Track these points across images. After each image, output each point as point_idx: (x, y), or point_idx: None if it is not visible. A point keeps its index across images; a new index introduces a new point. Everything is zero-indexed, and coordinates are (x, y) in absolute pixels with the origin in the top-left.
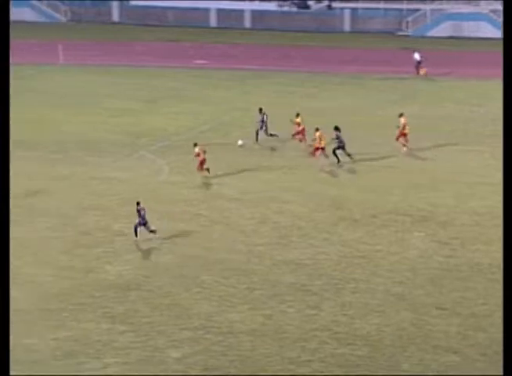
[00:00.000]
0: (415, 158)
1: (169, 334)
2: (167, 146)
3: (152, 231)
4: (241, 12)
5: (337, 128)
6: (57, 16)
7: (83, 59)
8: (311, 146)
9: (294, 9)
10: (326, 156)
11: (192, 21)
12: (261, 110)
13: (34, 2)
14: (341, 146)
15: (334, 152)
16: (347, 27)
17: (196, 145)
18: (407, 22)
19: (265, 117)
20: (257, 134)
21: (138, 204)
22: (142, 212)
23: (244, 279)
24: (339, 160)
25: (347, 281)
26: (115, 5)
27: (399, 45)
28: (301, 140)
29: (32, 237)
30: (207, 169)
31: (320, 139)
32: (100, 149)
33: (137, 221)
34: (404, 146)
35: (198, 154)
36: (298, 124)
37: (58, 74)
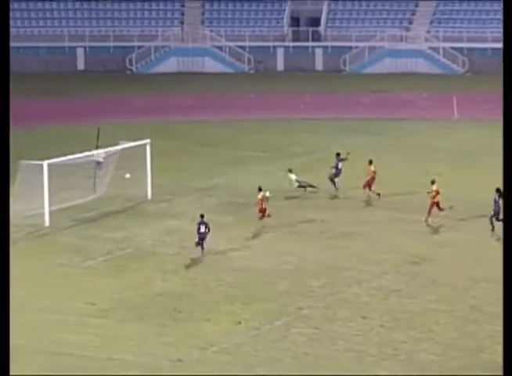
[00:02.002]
0: None
1: None
2: None
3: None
4: None
5: (498, 190)
6: (454, 66)
7: (479, 113)
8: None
9: None
10: (441, 209)
11: None
12: (338, 154)
13: (430, 52)
14: (496, 212)
15: (491, 219)
16: None
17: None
18: None
19: (340, 163)
20: (332, 181)
21: (201, 216)
22: (201, 227)
23: None
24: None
25: None
26: None
27: None
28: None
29: (418, 310)
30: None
31: (437, 193)
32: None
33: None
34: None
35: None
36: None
37: (449, 130)
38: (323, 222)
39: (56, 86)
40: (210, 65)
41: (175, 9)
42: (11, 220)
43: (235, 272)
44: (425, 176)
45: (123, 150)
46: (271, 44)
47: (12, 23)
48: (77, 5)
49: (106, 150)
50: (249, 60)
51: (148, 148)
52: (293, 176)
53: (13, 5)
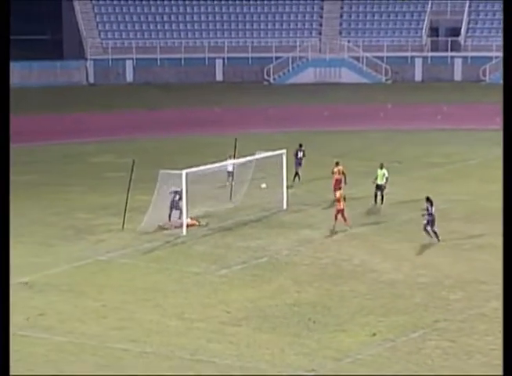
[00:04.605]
0: None
1: None
2: None
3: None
4: None
5: (428, 199)
6: None
7: None
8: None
9: None
10: (345, 219)
11: None
12: (300, 145)
13: None
14: (430, 221)
15: (425, 229)
16: None
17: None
18: None
19: (300, 153)
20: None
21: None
22: (176, 197)
23: None
24: (437, 238)
25: None
26: None
27: None
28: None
29: None
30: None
31: (340, 201)
32: None
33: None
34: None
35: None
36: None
37: None
38: (461, 234)
39: (194, 96)
40: (347, 76)
41: (313, 20)
42: (149, 229)
43: (370, 284)
44: None
45: (259, 159)
46: (409, 54)
47: (153, 35)
48: (217, 16)
49: (242, 159)
50: (386, 71)
51: (284, 158)
52: (381, 172)
53: (156, 18)
